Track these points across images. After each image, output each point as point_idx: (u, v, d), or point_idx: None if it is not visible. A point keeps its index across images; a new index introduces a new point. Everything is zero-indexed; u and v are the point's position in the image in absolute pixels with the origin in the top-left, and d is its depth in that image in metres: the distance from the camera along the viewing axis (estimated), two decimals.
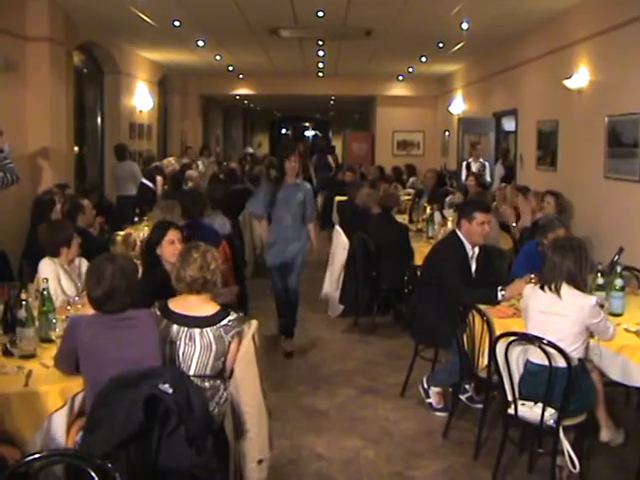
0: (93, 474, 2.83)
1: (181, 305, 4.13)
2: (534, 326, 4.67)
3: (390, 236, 8.36)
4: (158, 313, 4.08)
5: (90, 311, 3.98)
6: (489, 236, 6.30)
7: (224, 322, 4.10)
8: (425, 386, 6.14)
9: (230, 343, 4.11)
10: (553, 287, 4.61)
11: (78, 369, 3.82)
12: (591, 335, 4.67)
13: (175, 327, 4.05)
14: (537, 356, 4.55)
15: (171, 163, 15.00)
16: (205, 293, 4.17)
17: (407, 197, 13.28)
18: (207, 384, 4.05)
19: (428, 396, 6.11)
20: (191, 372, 4.01)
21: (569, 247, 4.70)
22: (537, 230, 6.76)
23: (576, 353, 4.54)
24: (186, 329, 4.04)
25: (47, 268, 5.42)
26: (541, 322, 4.62)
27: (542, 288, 4.68)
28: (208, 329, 4.05)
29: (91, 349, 3.75)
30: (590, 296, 4.65)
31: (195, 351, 4.03)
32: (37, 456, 2.95)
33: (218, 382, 4.11)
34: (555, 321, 4.55)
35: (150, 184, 12.82)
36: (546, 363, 4.44)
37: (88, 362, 3.76)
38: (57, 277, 5.34)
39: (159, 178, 13.05)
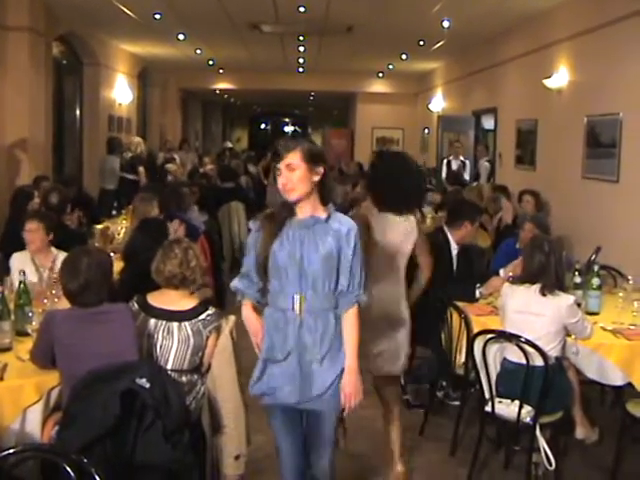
0: (68, 469, 2.80)
1: (160, 299, 4.11)
2: (511, 325, 4.67)
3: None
4: (136, 307, 4.06)
5: (66, 305, 3.96)
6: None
7: (202, 316, 4.08)
8: (402, 383, 6.15)
9: (208, 338, 4.10)
10: (533, 288, 4.63)
11: (54, 363, 3.79)
12: (568, 334, 4.69)
13: (153, 321, 4.02)
14: (514, 354, 4.56)
15: (139, 144, 14.86)
16: (183, 289, 4.15)
17: None
18: (184, 378, 4.03)
19: (405, 392, 6.12)
20: (168, 366, 3.99)
21: (542, 246, 4.72)
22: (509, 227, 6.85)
23: (553, 352, 4.56)
24: (164, 323, 4.02)
25: (15, 261, 5.41)
26: (518, 321, 4.63)
27: (522, 285, 4.71)
28: (186, 323, 4.03)
29: (68, 343, 3.72)
30: (568, 295, 4.68)
31: (173, 345, 4.00)
32: (11, 451, 2.92)
33: (195, 377, 4.10)
34: (532, 320, 4.57)
35: (130, 177, 12.80)
36: (523, 361, 4.46)
37: (64, 356, 3.73)
38: (23, 269, 5.29)
39: (141, 169, 13.03)
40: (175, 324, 4.03)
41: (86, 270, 3.80)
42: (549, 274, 4.61)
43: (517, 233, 6.86)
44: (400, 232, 4.72)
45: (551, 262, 4.62)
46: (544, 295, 4.58)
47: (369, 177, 5.28)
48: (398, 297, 4.77)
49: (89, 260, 3.86)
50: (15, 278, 4.80)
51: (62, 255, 5.60)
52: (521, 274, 4.84)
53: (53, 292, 4.90)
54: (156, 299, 4.11)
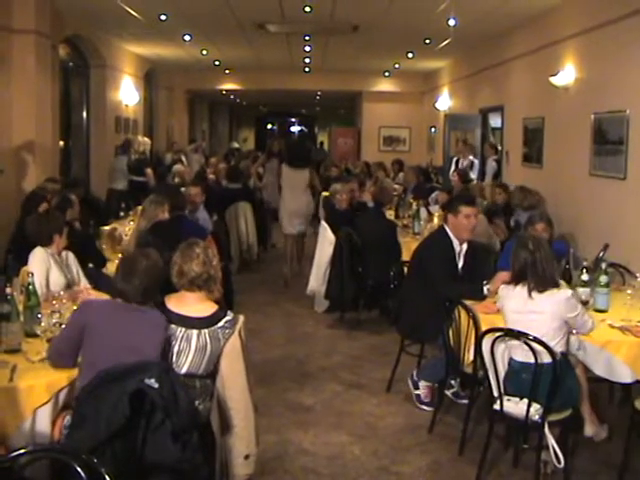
0: (79, 469, 2.81)
1: (178, 304, 4.09)
2: (513, 325, 4.66)
3: (378, 231, 8.37)
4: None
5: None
6: (478, 233, 6.33)
7: (221, 323, 4.06)
8: (415, 378, 6.14)
9: (225, 344, 4.08)
10: (526, 287, 4.63)
11: (71, 360, 3.87)
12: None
13: (172, 327, 4.00)
14: (519, 354, 4.57)
15: (143, 144, 15.04)
16: (204, 290, 4.14)
17: (394, 193, 13.25)
18: (198, 383, 4.02)
19: (417, 387, 6.10)
20: (183, 371, 3.98)
21: (527, 244, 4.72)
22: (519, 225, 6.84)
23: (558, 347, 4.55)
24: (183, 330, 4.00)
25: (39, 257, 5.42)
26: (519, 321, 4.61)
27: (517, 285, 4.71)
28: (205, 330, 4.01)
29: (100, 328, 3.79)
30: (564, 289, 4.67)
31: (190, 352, 3.98)
32: (22, 451, 2.93)
33: (208, 381, 4.09)
34: (533, 319, 4.56)
35: (138, 178, 12.86)
36: (528, 360, 4.46)
37: (92, 340, 3.78)
38: (48, 267, 5.34)
39: (149, 170, 13.09)
40: (195, 331, 4.01)
41: (141, 274, 3.90)
42: (536, 271, 4.60)
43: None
44: (300, 175, 10.80)
45: (537, 259, 4.62)
46: (539, 292, 4.59)
47: (287, 154, 11.69)
48: (308, 199, 10.93)
49: (146, 265, 3.95)
50: (35, 269, 4.84)
51: (70, 255, 5.71)
52: (511, 274, 4.83)
53: (61, 292, 4.93)
54: (175, 304, 4.10)
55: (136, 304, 3.91)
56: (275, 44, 15.01)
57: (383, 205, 9.28)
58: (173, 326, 4.01)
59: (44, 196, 7.67)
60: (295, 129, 41.40)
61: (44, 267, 5.29)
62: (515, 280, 4.73)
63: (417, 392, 6.12)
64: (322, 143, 28.73)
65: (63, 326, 4.17)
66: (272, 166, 14.03)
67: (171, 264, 4.18)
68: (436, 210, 9.70)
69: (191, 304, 4.10)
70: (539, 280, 4.60)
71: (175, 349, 3.99)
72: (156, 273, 3.97)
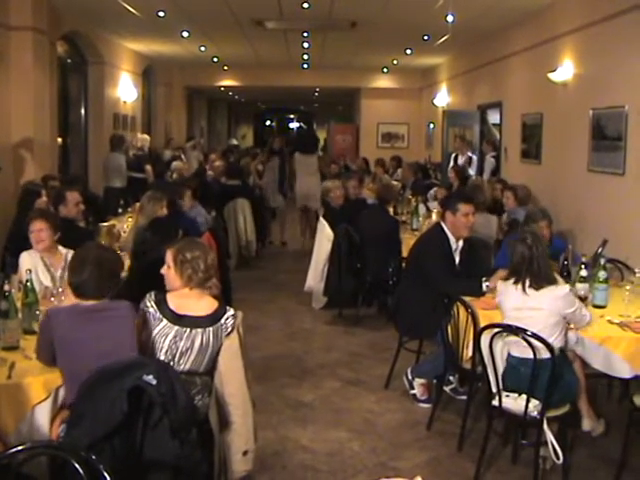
0: (77, 466, 2.81)
1: (181, 304, 4.07)
2: (511, 321, 4.67)
3: (381, 228, 8.35)
4: (154, 308, 4.03)
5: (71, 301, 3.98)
6: (482, 233, 6.33)
7: (222, 320, 4.06)
8: (409, 377, 6.15)
9: (224, 341, 4.08)
10: (522, 284, 4.63)
11: (54, 362, 3.83)
12: (568, 323, 4.70)
13: (176, 328, 3.99)
14: (517, 350, 4.58)
15: (143, 140, 15.04)
16: (203, 287, 4.15)
17: None
18: (198, 380, 4.02)
19: (412, 387, 6.12)
20: (185, 369, 3.99)
21: (525, 239, 4.71)
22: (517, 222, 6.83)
23: (556, 343, 4.56)
24: (188, 330, 3.99)
25: (24, 260, 5.42)
26: (517, 318, 4.61)
27: (515, 282, 4.70)
28: (210, 328, 4.02)
29: (66, 342, 3.74)
30: (561, 285, 4.67)
31: (193, 350, 3.98)
32: (20, 448, 2.93)
33: (208, 378, 4.09)
34: (530, 315, 4.56)
35: (138, 175, 12.84)
36: (526, 356, 4.47)
37: (64, 354, 3.75)
38: (35, 268, 5.31)
39: (148, 166, 13.06)
40: (199, 330, 4.00)
41: (92, 263, 3.85)
42: (532, 268, 4.60)
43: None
44: (310, 160, 13.56)
45: (534, 255, 4.61)
46: (535, 290, 4.58)
47: (298, 143, 14.92)
48: (317, 181, 12.80)
49: (96, 254, 3.92)
50: (23, 276, 4.81)
51: (70, 254, 5.65)
52: (509, 270, 4.83)
53: (60, 290, 4.92)
54: (177, 304, 4.07)
55: (94, 300, 3.86)
56: (273, 40, 15.00)
57: (388, 202, 9.27)
58: (177, 327, 4.00)
59: (38, 191, 7.66)
60: (294, 126, 41.40)
61: (30, 267, 5.23)
62: (512, 274, 4.73)
63: (413, 392, 6.12)
64: (326, 140, 28.79)
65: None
66: (273, 165, 14.02)
67: (181, 263, 4.14)
68: (435, 206, 9.71)
69: (193, 302, 4.10)
70: (535, 277, 4.61)
71: (179, 351, 3.98)
72: (108, 261, 3.94)
